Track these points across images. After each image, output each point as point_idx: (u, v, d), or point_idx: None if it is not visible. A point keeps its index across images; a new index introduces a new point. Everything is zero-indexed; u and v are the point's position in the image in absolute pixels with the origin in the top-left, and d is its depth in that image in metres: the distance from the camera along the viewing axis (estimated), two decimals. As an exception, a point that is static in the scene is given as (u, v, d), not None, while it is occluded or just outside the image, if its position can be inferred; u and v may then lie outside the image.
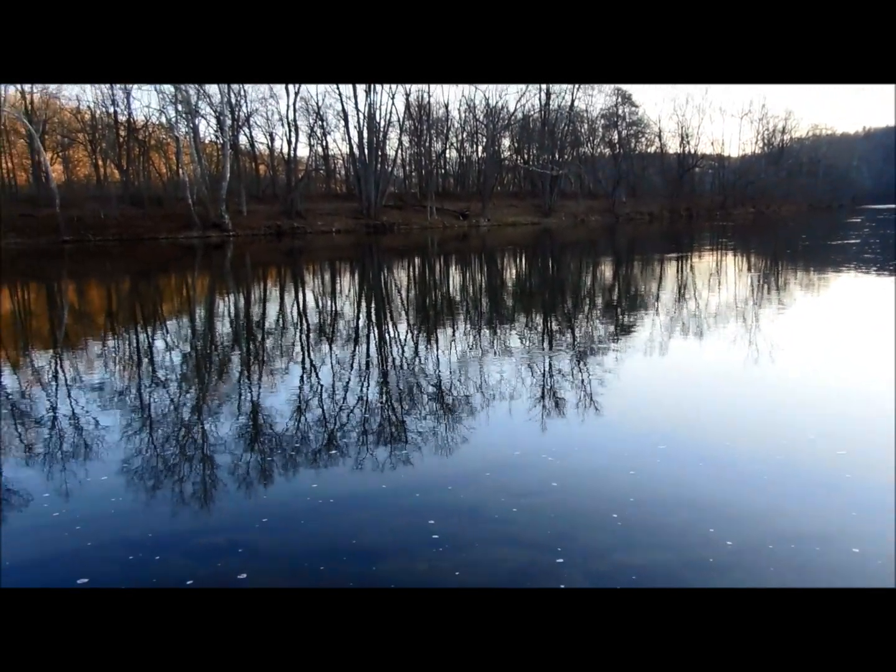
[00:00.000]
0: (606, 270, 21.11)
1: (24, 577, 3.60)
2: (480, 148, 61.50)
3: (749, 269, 20.21)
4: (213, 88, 45.29)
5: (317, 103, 51.64)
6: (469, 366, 8.09)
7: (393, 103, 56.24)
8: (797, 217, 59.34)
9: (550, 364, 8.10)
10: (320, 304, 14.52)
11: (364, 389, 7.20)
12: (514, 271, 22.00)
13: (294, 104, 49.28)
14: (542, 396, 6.77)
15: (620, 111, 64.88)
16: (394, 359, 8.77)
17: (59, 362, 9.20)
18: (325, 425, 6.03)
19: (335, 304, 14.62)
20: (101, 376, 8.15)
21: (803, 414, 6.03)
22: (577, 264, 23.72)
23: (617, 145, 64.92)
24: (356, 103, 49.52)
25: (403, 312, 13.19)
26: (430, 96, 55.38)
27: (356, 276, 21.81)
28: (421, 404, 6.68)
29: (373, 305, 14.47)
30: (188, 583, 3.44)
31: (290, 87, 47.99)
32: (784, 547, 3.74)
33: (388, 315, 12.88)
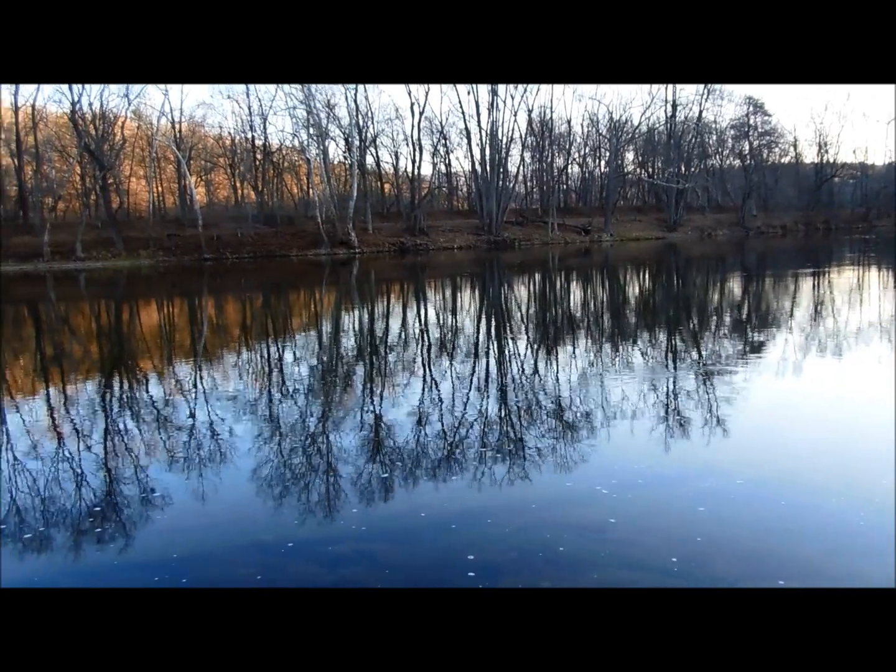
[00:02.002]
0: (735, 287, 20.27)
1: (166, 576, 3.89)
2: (603, 162, 60.66)
3: (894, 286, 18.83)
4: (342, 111, 47.22)
5: (440, 122, 52.65)
6: (578, 386, 7.99)
7: (515, 120, 56.48)
8: (952, 229, 54.68)
9: (658, 386, 7.88)
10: (441, 320, 14.77)
11: (470, 407, 7.25)
12: (636, 287, 21.52)
13: (418, 124, 50.50)
14: (641, 421, 6.59)
15: (752, 121, 62.15)
16: (508, 376, 8.79)
17: (198, 372, 9.85)
18: (431, 441, 6.13)
19: (456, 319, 14.82)
20: (234, 386, 8.65)
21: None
22: (704, 280, 22.89)
23: (748, 156, 62.12)
24: (479, 121, 50.10)
25: (522, 329, 13.19)
26: (552, 112, 55.19)
27: (477, 292, 22.02)
28: (525, 424, 6.67)
29: (492, 321, 14.56)
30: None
31: (415, 107, 49.21)
32: None
33: (507, 331, 12.92)
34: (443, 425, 6.56)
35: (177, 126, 49.00)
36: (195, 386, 8.82)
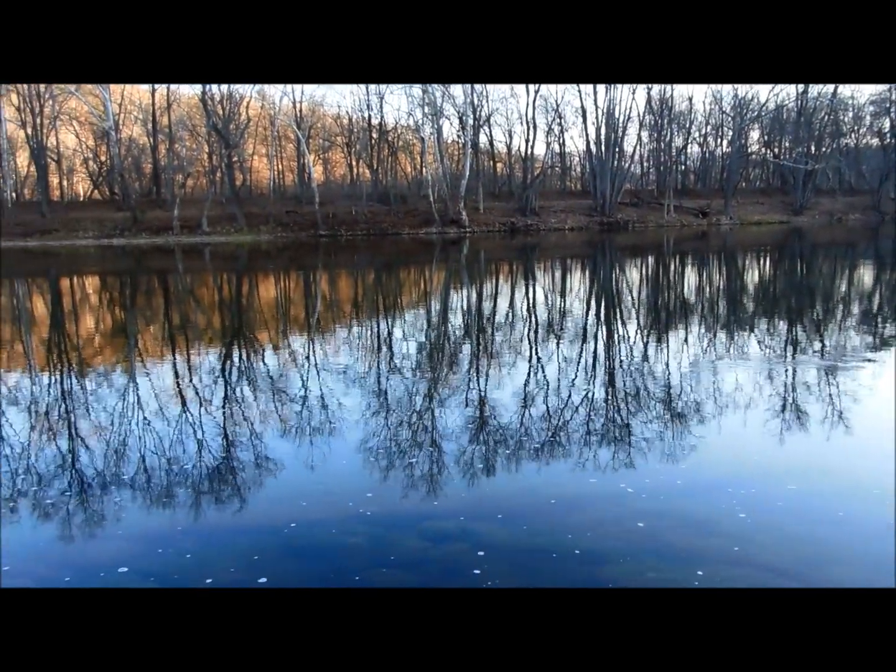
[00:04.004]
0: (865, 275, 19.00)
1: (276, 540, 4.09)
2: (725, 141, 58.08)
3: None
4: (457, 90, 47.33)
5: (556, 101, 52.04)
6: (687, 374, 7.74)
7: (633, 98, 54.90)
8: None
9: (771, 379, 7.51)
10: (549, 301, 14.65)
11: (574, 390, 7.16)
12: (755, 273, 20.57)
13: (533, 102, 50.04)
14: (736, 415, 6.31)
15: (895, 96, 57.64)
16: (613, 361, 8.64)
17: (311, 345, 10.23)
18: (535, 422, 6.12)
19: (564, 301, 14.67)
20: (345, 360, 8.92)
21: None
22: (831, 268, 21.59)
23: (888, 134, 57.78)
24: (595, 99, 49.07)
25: (631, 314, 12.90)
26: (672, 89, 53.21)
27: (587, 275, 21.68)
28: (631, 410, 6.53)
29: (602, 305, 14.32)
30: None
31: (531, 85, 48.64)
32: None
33: (615, 316, 12.68)
34: (547, 407, 6.54)
35: (298, 106, 50.58)
36: (308, 358, 9.17)
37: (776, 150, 59.06)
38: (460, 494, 4.63)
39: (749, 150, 58.18)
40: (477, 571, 3.59)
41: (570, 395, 6.94)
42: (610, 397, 6.92)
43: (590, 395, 6.95)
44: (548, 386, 7.34)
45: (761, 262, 24.36)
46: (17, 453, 5.57)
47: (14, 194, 47.35)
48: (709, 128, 59.29)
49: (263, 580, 3.55)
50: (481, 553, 3.79)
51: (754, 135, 59.35)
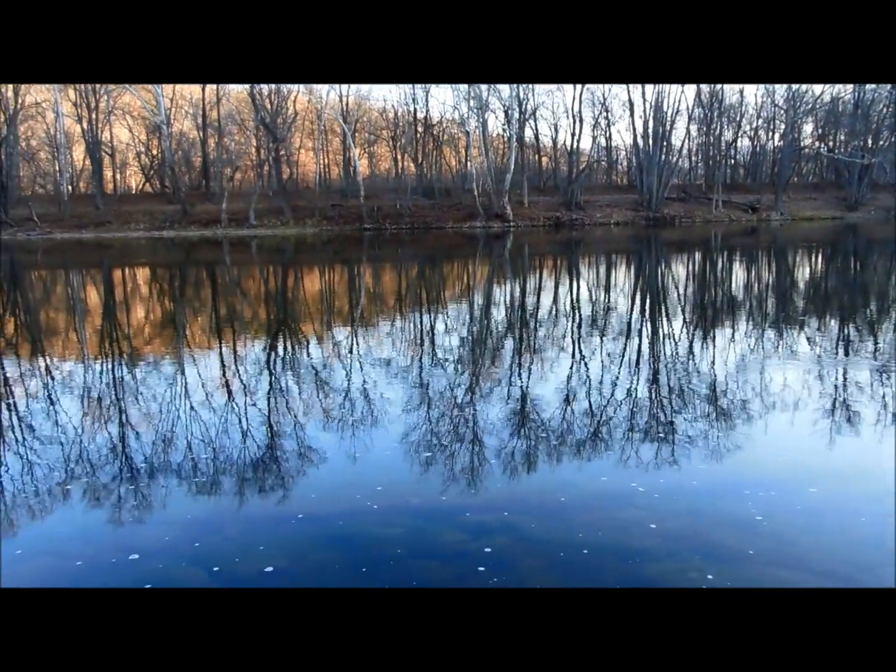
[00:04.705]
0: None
1: (321, 529, 4.15)
2: (777, 135, 56.73)
3: None
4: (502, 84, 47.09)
5: (603, 94, 51.34)
6: (733, 372, 7.60)
7: (682, 91, 53.90)
8: None
9: (821, 378, 7.33)
10: (593, 297, 14.52)
11: (616, 386, 7.09)
12: (805, 270, 20.07)
13: (580, 95, 49.47)
14: (771, 416, 6.17)
15: (958, 88, 55.51)
16: (657, 359, 8.53)
17: (354, 337, 10.32)
18: (577, 418, 6.08)
19: (608, 297, 14.53)
20: (388, 353, 8.99)
21: None
22: (885, 265, 20.93)
23: (950, 128, 55.73)
24: (643, 92, 48.31)
25: (678, 310, 12.72)
26: (723, 81, 52.15)
27: (632, 270, 21.42)
28: (675, 407, 6.45)
29: (647, 301, 14.14)
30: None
31: (577, 78, 48.22)
32: None
33: (659, 312, 12.51)
34: (589, 403, 6.50)
35: (344, 100, 50.95)
36: (351, 351, 9.25)
37: (830, 143, 57.46)
38: (501, 488, 4.62)
39: (802, 144, 56.74)
40: (481, 569, 3.59)
41: (612, 393, 6.88)
42: (652, 394, 6.83)
43: (631, 391, 6.88)
44: (589, 382, 7.29)
45: (812, 258, 23.74)
46: (69, 438, 5.75)
47: (70, 187, 48.66)
48: (760, 121, 58.03)
49: (269, 569, 3.60)
50: (488, 550, 3.80)
51: (808, 128, 57.93)
